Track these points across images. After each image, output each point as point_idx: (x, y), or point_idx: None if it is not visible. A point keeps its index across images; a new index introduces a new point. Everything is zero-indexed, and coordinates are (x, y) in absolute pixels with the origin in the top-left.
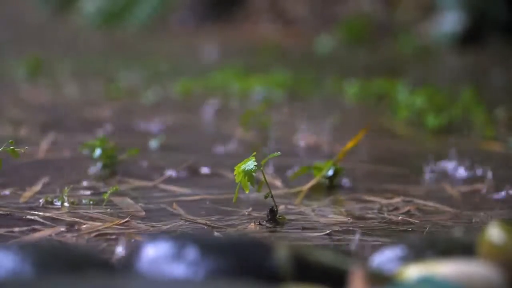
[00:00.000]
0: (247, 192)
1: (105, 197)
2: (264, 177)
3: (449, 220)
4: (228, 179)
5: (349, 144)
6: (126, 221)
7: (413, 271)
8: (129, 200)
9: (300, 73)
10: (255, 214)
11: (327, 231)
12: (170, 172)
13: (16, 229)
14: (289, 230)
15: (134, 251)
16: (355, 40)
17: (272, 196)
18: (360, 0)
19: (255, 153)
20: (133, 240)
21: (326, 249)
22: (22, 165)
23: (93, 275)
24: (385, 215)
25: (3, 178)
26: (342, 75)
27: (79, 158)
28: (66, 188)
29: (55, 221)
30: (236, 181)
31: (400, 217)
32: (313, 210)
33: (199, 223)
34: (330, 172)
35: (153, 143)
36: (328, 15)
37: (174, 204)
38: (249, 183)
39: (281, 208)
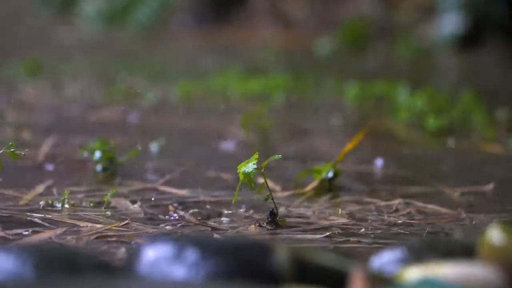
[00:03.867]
0: (251, 190)
1: (105, 199)
2: (265, 180)
3: (449, 222)
4: (228, 181)
5: (349, 146)
6: (126, 223)
7: (414, 273)
8: (129, 202)
9: (300, 75)
10: (255, 216)
11: (327, 233)
12: (170, 174)
13: (17, 231)
14: (289, 232)
15: (134, 253)
16: (355, 42)
17: (272, 198)
18: (360, 2)
19: (257, 155)
20: (133, 242)
21: (326, 251)
22: (23, 167)
23: (93, 277)
24: (385, 217)
25: (4, 180)
26: (342, 77)
27: (80, 160)
28: (66, 190)
29: (55, 223)
30: (241, 179)
31: (400, 219)
32: (313, 212)
33: (199, 224)
34: (330, 174)
35: (153, 145)
36: (328, 17)
37: (170, 206)
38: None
39: (281, 210)
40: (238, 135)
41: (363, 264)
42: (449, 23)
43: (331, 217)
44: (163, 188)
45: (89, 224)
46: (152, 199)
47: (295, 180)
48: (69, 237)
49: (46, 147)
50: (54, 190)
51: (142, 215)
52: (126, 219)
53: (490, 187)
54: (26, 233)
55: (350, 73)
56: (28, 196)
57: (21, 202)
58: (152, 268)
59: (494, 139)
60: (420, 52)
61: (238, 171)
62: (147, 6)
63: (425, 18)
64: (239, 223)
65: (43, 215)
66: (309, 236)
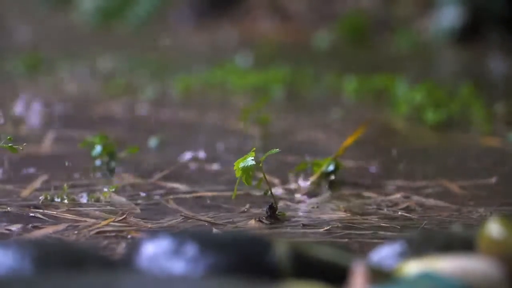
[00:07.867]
0: (249, 185)
1: (105, 194)
2: (264, 174)
3: (449, 216)
4: (228, 176)
5: (349, 140)
6: (125, 218)
7: (413, 267)
8: (129, 197)
9: (299, 69)
10: (255, 210)
11: (327, 227)
12: (169, 169)
13: (16, 226)
14: (289, 227)
15: (133, 248)
16: (354, 36)
17: (271, 192)
18: None
19: (254, 148)
20: (130, 236)
21: (326, 245)
22: (22, 162)
23: (92, 272)
24: (385, 210)
25: (3, 175)
26: (341, 70)
27: (79, 155)
28: (65, 185)
29: (54, 218)
30: (237, 176)
31: (399, 213)
32: (313, 206)
33: (199, 219)
34: (330, 168)
35: (153, 140)
36: (327, 11)
37: (170, 200)
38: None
39: (281, 204)
40: (237, 129)
41: (362, 258)
42: (448, 16)
43: (331, 211)
44: (163, 182)
45: (89, 219)
46: (152, 193)
47: (293, 173)
48: (68, 232)
49: (46, 141)
50: (54, 185)
51: (141, 210)
52: (126, 214)
53: (492, 180)
54: (26, 228)
55: (349, 67)
56: (27, 191)
57: (21, 197)
58: (152, 263)
59: (493, 133)
60: (419, 45)
61: (234, 167)
62: (145, 0)
63: (424, 12)
64: (238, 218)
65: (42, 210)
66: (308, 230)
